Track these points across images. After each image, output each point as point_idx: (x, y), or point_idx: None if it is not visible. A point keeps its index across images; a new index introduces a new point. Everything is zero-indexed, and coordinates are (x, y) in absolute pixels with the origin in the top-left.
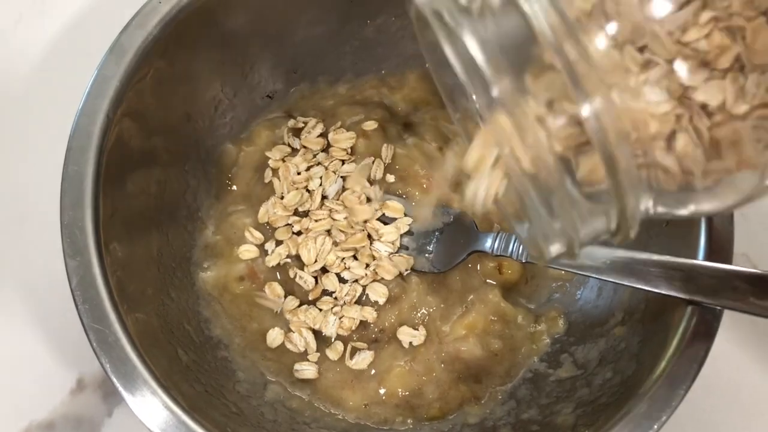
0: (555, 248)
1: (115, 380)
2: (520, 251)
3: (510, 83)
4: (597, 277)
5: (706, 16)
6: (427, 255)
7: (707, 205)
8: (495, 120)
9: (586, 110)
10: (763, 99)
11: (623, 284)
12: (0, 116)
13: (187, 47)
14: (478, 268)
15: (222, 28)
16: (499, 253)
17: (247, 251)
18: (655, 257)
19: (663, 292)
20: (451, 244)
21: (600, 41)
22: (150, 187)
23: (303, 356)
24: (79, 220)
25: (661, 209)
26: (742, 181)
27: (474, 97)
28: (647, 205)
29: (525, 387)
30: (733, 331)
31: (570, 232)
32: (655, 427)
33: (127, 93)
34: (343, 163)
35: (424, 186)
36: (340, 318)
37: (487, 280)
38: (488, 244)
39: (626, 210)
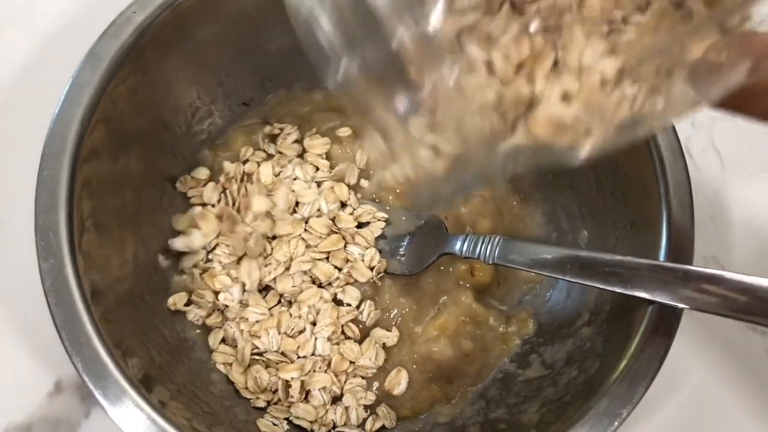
0: None
1: (87, 380)
2: (488, 253)
3: None
4: (561, 278)
5: None
6: (399, 258)
7: None
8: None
9: None
10: None
11: (587, 284)
12: None
13: (161, 56)
14: (451, 270)
15: (196, 37)
16: (467, 255)
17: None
18: (618, 257)
19: (624, 292)
20: (422, 246)
21: None
22: (125, 192)
23: None
24: (53, 223)
25: None
26: None
27: None
28: None
29: (495, 387)
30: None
31: None
32: (615, 423)
33: (102, 100)
34: (317, 170)
35: (398, 191)
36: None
37: (460, 282)
38: (457, 246)
39: None
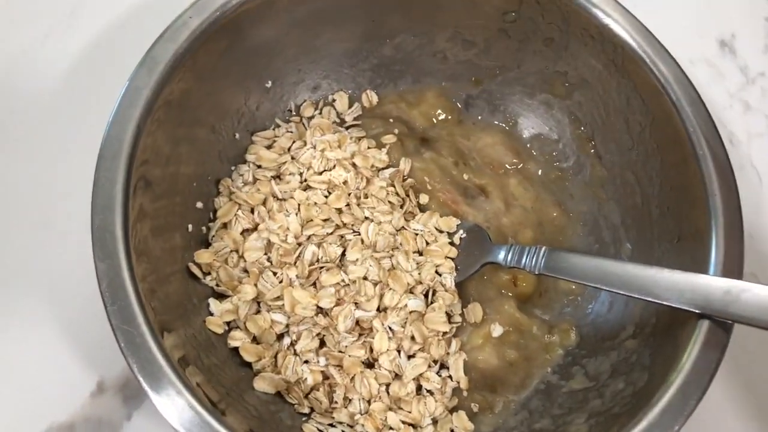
0: None
1: (141, 380)
2: (533, 264)
3: None
4: (608, 289)
5: None
6: None
7: None
8: None
9: None
10: None
11: (634, 297)
12: (31, 126)
13: (214, 61)
14: (493, 280)
15: (248, 42)
16: (512, 265)
17: None
18: (666, 272)
19: (674, 305)
20: (466, 255)
21: None
22: (175, 195)
23: None
24: (109, 224)
25: None
26: None
27: None
28: None
29: (537, 398)
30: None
31: None
32: None
33: (157, 103)
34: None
35: (441, 199)
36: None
37: (502, 291)
38: (501, 256)
39: None
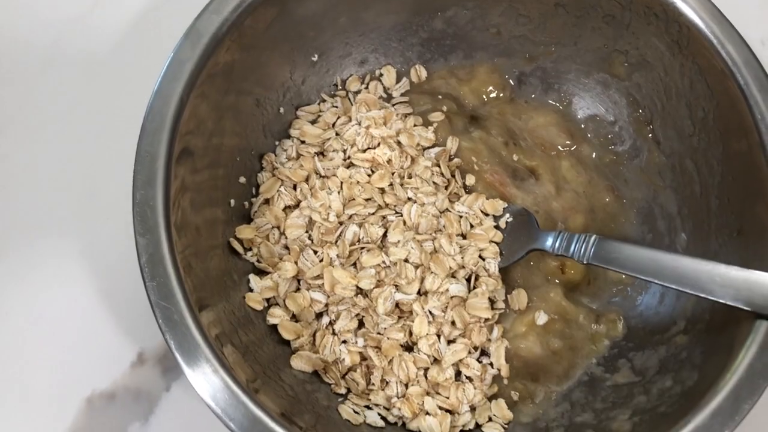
0: None
1: (178, 357)
2: (582, 252)
3: None
4: (660, 283)
5: None
6: None
7: None
8: None
9: None
10: None
11: (687, 293)
12: (75, 97)
13: (260, 33)
14: (540, 266)
15: (295, 15)
16: (560, 253)
17: None
18: (723, 267)
19: (729, 303)
20: (512, 241)
21: None
22: (218, 170)
23: None
24: (150, 198)
25: None
26: None
27: None
28: None
29: (580, 390)
30: None
31: None
32: None
33: (201, 76)
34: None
35: (488, 180)
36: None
37: (549, 278)
38: (549, 242)
39: None
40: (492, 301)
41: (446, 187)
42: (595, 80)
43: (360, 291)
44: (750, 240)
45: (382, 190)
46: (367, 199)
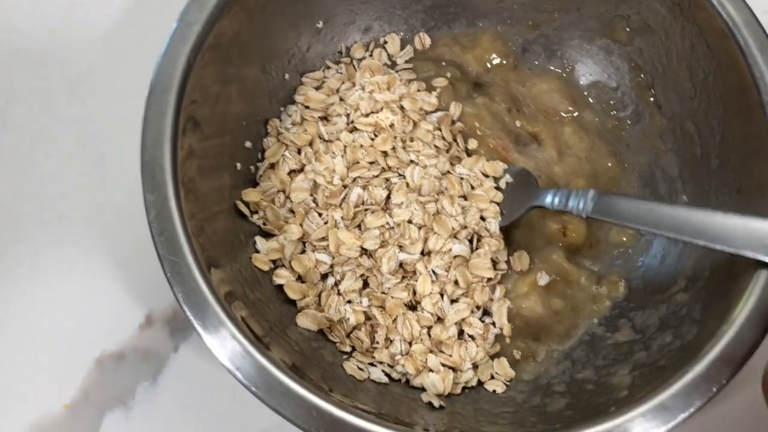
0: None
1: (186, 309)
2: (581, 206)
3: None
4: (659, 233)
5: None
6: None
7: None
8: None
9: None
10: None
11: (686, 241)
12: (83, 60)
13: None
14: (543, 230)
15: None
16: (559, 208)
17: None
18: (720, 214)
19: (729, 250)
20: (512, 200)
21: None
22: (224, 133)
23: None
24: (158, 157)
25: None
26: None
27: None
28: None
29: (581, 348)
30: None
31: None
32: (714, 389)
33: (208, 40)
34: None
35: (491, 145)
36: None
37: (551, 242)
38: (548, 199)
39: None
40: (494, 262)
41: (447, 151)
42: (597, 46)
43: (364, 252)
44: (749, 197)
45: (385, 154)
46: (370, 162)
